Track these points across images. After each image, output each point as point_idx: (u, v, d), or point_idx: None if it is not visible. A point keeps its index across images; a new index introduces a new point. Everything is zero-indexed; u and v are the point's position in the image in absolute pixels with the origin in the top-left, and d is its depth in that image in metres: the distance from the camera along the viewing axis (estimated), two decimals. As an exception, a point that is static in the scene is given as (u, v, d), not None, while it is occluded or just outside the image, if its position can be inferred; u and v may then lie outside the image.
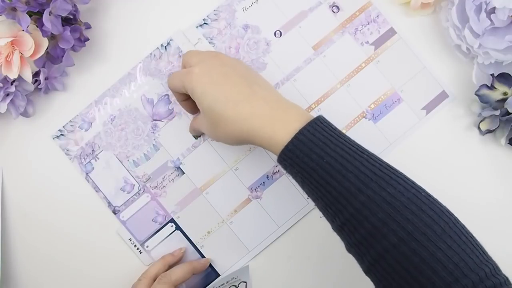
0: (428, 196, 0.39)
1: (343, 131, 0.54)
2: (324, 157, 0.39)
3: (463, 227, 0.39)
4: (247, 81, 0.44)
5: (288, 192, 0.54)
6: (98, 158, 0.55)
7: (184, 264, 0.53)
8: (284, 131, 0.40)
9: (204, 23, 0.55)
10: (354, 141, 0.41)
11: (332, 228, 0.42)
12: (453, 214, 0.40)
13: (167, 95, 0.55)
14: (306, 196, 0.54)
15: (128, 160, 0.55)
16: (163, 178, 0.55)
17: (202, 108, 0.44)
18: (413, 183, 0.40)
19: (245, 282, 0.52)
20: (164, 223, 0.55)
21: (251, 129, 0.42)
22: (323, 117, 0.42)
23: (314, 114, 0.55)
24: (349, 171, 0.38)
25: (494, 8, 0.48)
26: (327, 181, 0.39)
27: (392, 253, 0.37)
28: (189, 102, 0.50)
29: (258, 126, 0.41)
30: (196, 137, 0.54)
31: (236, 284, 0.52)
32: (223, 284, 0.52)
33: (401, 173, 0.40)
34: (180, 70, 0.48)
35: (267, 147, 0.42)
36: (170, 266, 0.53)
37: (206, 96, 0.43)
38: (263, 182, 0.55)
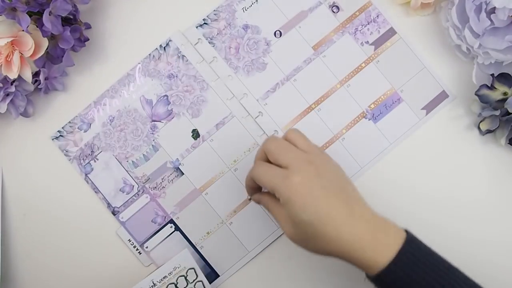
0: None
1: (343, 131, 0.55)
2: (426, 278, 0.39)
3: None
4: (344, 195, 0.42)
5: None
6: (97, 159, 0.55)
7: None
8: (385, 253, 0.40)
9: (204, 23, 0.55)
10: (442, 257, 0.42)
11: None
12: None
13: (166, 95, 0.55)
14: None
15: (127, 161, 0.55)
16: (162, 178, 0.55)
17: (298, 220, 0.41)
18: None
19: (193, 268, 0.50)
20: (164, 224, 0.55)
21: (349, 251, 0.41)
22: (413, 235, 0.42)
23: (314, 114, 0.55)
24: None
25: (494, 8, 0.48)
26: None
27: None
28: (255, 190, 0.48)
29: (357, 248, 0.40)
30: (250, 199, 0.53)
31: (184, 274, 0.50)
32: (166, 276, 0.51)
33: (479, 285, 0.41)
34: (271, 167, 0.43)
35: (361, 266, 0.41)
36: None
37: (307, 210, 0.41)
38: (263, 183, 0.54)
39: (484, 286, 0.40)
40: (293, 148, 0.44)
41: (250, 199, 0.51)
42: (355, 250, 0.40)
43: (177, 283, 0.50)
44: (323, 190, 0.41)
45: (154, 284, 0.51)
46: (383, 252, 0.40)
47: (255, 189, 0.47)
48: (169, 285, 0.50)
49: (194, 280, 0.51)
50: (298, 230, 0.42)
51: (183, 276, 0.50)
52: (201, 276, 0.51)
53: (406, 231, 0.42)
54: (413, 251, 0.40)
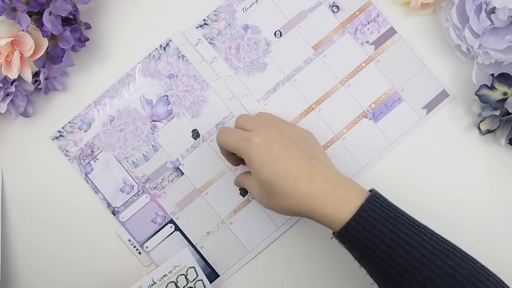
0: (483, 267, 0.41)
1: (344, 131, 0.55)
2: (387, 233, 0.40)
3: None
4: (307, 154, 0.44)
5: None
6: (97, 159, 0.55)
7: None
8: (345, 209, 0.41)
9: (204, 23, 0.55)
10: (408, 214, 0.43)
11: None
12: (504, 282, 0.41)
13: (166, 95, 0.55)
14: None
15: (127, 161, 0.55)
16: (162, 178, 0.55)
17: (259, 178, 0.44)
18: (467, 254, 0.41)
19: (193, 267, 0.50)
20: (164, 224, 0.55)
21: (310, 206, 0.42)
22: (378, 192, 0.43)
23: (314, 114, 0.55)
24: (411, 246, 0.40)
25: (494, 8, 0.48)
26: (390, 256, 0.40)
27: None
28: (234, 157, 0.50)
29: (318, 205, 0.42)
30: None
31: (184, 272, 0.50)
32: (166, 275, 0.51)
33: (455, 245, 0.42)
34: (234, 130, 0.47)
35: (325, 223, 0.42)
36: None
37: (265, 168, 0.43)
38: (263, 183, 0.54)
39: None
40: (259, 117, 0.48)
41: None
42: (316, 206, 0.42)
43: (177, 281, 0.50)
44: (283, 149, 0.43)
45: (154, 283, 0.51)
46: (344, 208, 0.41)
47: (230, 155, 0.49)
48: (169, 284, 0.50)
49: (194, 279, 0.51)
50: (261, 189, 0.44)
51: (183, 275, 0.50)
52: (201, 275, 0.51)
53: (371, 190, 0.43)
54: (375, 207, 0.41)
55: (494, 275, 0.41)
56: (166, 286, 0.50)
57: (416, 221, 0.42)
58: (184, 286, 0.50)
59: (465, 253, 0.41)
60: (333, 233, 0.43)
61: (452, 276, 0.39)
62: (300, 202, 0.42)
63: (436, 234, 0.42)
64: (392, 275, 0.41)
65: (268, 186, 0.43)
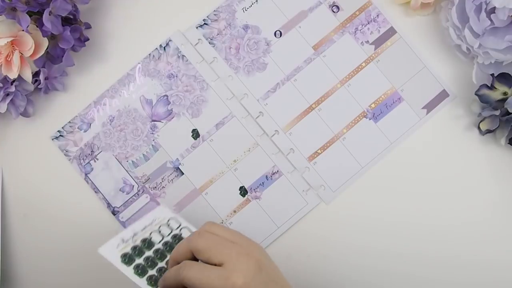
0: None
1: (344, 131, 0.55)
2: None
3: None
4: (280, 285, 0.39)
5: (288, 192, 0.54)
6: (97, 159, 0.55)
7: None
8: None
9: (204, 23, 0.55)
10: None
11: None
12: None
13: (166, 95, 0.55)
14: (305, 196, 0.54)
15: (127, 161, 0.55)
16: (162, 178, 0.55)
17: None
18: None
19: (173, 218, 0.47)
20: (164, 224, 0.55)
21: None
22: None
23: (314, 114, 0.55)
24: None
25: (494, 8, 0.48)
26: None
27: None
28: None
29: None
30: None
31: (165, 223, 0.47)
32: (146, 226, 0.47)
33: None
34: (205, 267, 0.38)
35: None
36: None
37: None
38: (262, 183, 0.54)
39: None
40: (225, 242, 0.39)
41: None
42: None
43: (160, 230, 0.48)
44: (265, 284, 0.38)
45: (135, 233, 0.46)
46: None
47: None
48: (153, 233, 0.48)
49: (178, 227, 0.48)
50: None
51: (165, 224, 0.48)
52: (185, 223, 0.47)
53: None
54: None
55: None
56: (150, 235, 0.48)
57: None
58: (169, 234, 0.48)
59: None
60: None
61: None
62: None
63: None
64: None
65: None
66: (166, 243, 0.46)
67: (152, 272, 0.46)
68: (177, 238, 0.47)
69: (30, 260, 0.55)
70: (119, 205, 0.55)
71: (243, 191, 0.55)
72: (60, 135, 0.55)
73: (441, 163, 0.54)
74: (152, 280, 0.45)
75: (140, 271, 0.45)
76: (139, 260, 0.46)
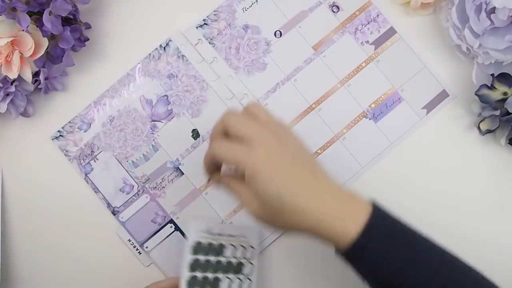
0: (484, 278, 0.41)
1: (344, 131, 0.55)
2: (394, 249, 0.39)
3: None
4: (310, 167, 0.41)
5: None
6: (97, 159, 0.55)
7: (173, 278, 0.52)
8: (352, 226, 0.39)
9: (204, 23, 0.55)
10: (410, 226, 0.42)
11: None
12: None
13: (166, 95, 0.55)
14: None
15: (127, 161, 0.55)
16: (162, 178, 0.55)
17: (265, 194, 0.39)
18: (470, 266, 0.41)
19: (254, 248, 0.49)
20: (164, 224, 0.55)
21: (319, 223, 0.39)
22: (380, 206, 0.41)
23: (314, 114, 0.55)
24: (417, 260, 0.39)
25: (494, 8, 0.48)
26: (401, 272, 0.39)
27: None
28: (215, 168, 0.45)
29: (327, 220, 0.39)
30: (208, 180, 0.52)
31: (245, 246, 0.49)
32: (233, 235, 0.49)
33: (459, 258, 0.41)
34: (230, 141, 0.41)
35: (331, 240, 0.40)
36: None
37: (274, 181, 0.39)
38: (263, 183, 0.54)
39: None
40: (253, 121, 0.41)
41: (208, 181, 0.47)
42: (323, 223, 0.39)
43: (236, 249, 0.49)
44: (289, 161, 0.40)
45: (221, 234, 0.49)
46: (351, 224, 0.39)
47: (214, 168, 0.45)
48: (230, 246, 0.48)
49: (248, 260, 0.49)
50: (265, 205, 0.40)
51: (244, 247, 0.48)
52: (255, 261, 0.49)
53: (373, 204, 0.41)
54: (382, 223, 0.40)
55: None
56: (227, 246, 0.49)
57: (422, 235, 0.42)
58: (237, 258, 0.49)
59: (469, 266, 0.41)
60: (337, 252, 0.41)
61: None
62: (308, 219, 0.39)
63: (444, 250, 0.41)
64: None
65: (274, 203, 0.39)
66: (228, 263, 0.48)
67: (199, 274, 0.47)
68: (239, 267, 0.49)
69: (30, 260, 0.55)
70: (119, 205, 0.55)
71: None
72: (60, 135, 0.55)
73: (441, 163, 0.54)
74: (193, 281, 0.47)
75: (194, 267, 0.47)
76: (202, 257, 0.47)
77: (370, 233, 0.39)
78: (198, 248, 0.48)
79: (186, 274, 0.47)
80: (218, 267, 0.48)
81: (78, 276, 0.55)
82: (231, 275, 0.48)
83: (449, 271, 0.39)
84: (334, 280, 0.54)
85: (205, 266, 0.48)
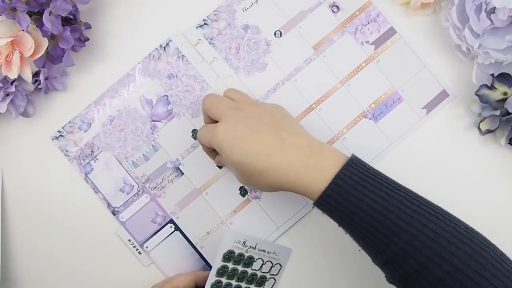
0: (467, 229, 0.41)
1: (344, 131, 0.55)
2: (363, 199, 0.40)
3: (503, 254, 0.41)
4: (274, 128, 0.44)
5: (288, 192, 0.54)
6: (97, 159, 0.55)
7: (188, 273, 0.53)
8: (320, 177, 0.41)
9: (204, 23, 0.55)
10: (389, 178, 0.42)
11: (373, 262, 0.43)
12: (492, 244, 0.41)
13: (166, 95, 0.55)
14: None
15: (127, 161, 0.55)
16: (162, 178, 0.55)
17: (231, 162, 0.44)
18: (450, 216, 0.41)
19: (281, 265, 0.51)
20: (164, 224, 0.55)
21: (285, 180, 0.42)
22: (356, 157, 0.42)
23: (315, 114, 0.55)
24: (389, 211, 0.39)
25: (494, 8, 0.48)
26: (368, 223, 0.40)
27: (438, 287, 0.39)
28: (214, 152, 0.50)
29: (293, 176, 0.41)
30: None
31: (273, 262, 0.51)
32: (265, 251, 0.51)
33: (438, 207, 0.41)
34: (207, 126, 0.47)
35: (304, 194, 0.42)
36: None
37: (234, 150, 0.43)
38: (263, 183, 0.54)
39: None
40: (224, 100, 0.47)
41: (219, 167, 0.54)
42: (289, 180, 0.41)
43: (265, 263, 0.50)
44: (249, 129, 0.43)
45: (254, 247, 0.50)
46: (319, 177, 0.41)
47: (212, 152, 0.50)
48: (259, 260, 0.51)
49: (273, 274, 0.51)
50: (238, 171, 0.44)
51: (271, 263, 0.50)
52: (279, 277, 0.51)
53: (350, 156, 0.42)
54: (351, 174, 0.40)
55: (479, 235, 0.41)
56: (256, 258, 0.51)
57: (397, 184, 0.42)
58: (264, 272, 0.51)
59: (448, 214, 0.41)
60: (313, 202, 0.43)
61: (433, 240, 0.39)
62: (275, 176, 0.42)
63: (417, 197, 0.41)
64: (372, 241, 0.40)
65: (241, 167, 0.43)
66: (253, 276, 0.50)
67: (224, 280, 0.50)
68: (262, 281, 0.51)
69: (30, 260, 0.55)
70: (119, 205, 0.55)
71: (243, 191, 0.55)
72: (60, 135, 0.55)
73: (441, 163, 0.54)
74: (216, 286, 0.50)
75: (221, 272, 0.50)
76: (230, 266, 0.50)
77: (337, 184, 0.40)
78: (229, 256, 0.50)
79: (213, 279, 0.50)
80: (243, 277, 0.51)
81: (78, 276, 0.55)
82: (252, 287, 0.51)
83: (422, 223, 0.39)
84: (334, 279, 0.54)
85: (231, 274, 0.50)
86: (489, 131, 0.52)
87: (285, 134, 0.43)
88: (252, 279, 0.50)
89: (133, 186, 0.55)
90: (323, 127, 0.55)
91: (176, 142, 0.55)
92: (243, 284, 0.50)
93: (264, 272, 0.51)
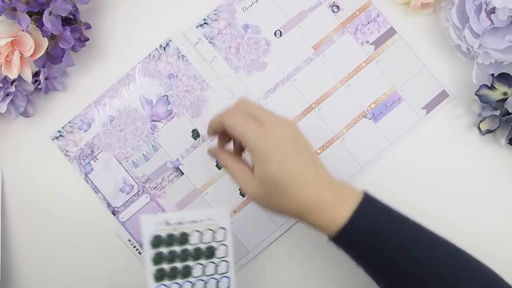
0: (476, 262, 0.42)
1: (344, 130, 0.55)
2: (381, 234, 0.40)
3: None
4: (312, 157, 0.42)
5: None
6: (97, 159, 0.55)
7: None
8: (341, 214, 0.41)
9: (204, 23, 0.55)
10: (399, 213, 0.43)
11: None
12: (504, 280, 0.42)
13: (166, 96, 0.55)
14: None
15: (127, 161, 0.55)
16: (162, 178, 0.55)
17: (270, 177, 0.40)
18: (461, 251, 0.43)
19: (224, 228, 0.47)
20: (164, 224, 0.55)
21: (310, 212, 0.41)
22: (369, 195, 0.42)
23: (314, 113, 0.55)
24: (405, 246, 0.40)
25: (494, 8, 0.48)
26: (385, 257, 0.40)
27: None
28: (224, 139, 0.47)
29: (321, 208, 0.41)
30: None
31: (213, 229, 0.47)
32: (196, 221, 0.47)
33: (448, 242, 0.42)
34: (244, 114, 0.42)
35: (322, 226, 0.42)
36: None
37: (282, 168, 0.40)
38: (263, 183, 0.54)
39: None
40: (246, 121, 0.42)
41: (211, 154, 0.48)
42: (317, 210, 0.41)
43: (203, 234, 0.48)
44: (298, 150, 0.41)
45: (181, 222, 0.47)
46: (342, 211, 0.41)
47: (217, 133, 0.46)
48: (194, 232, 0.47)
49: (219, 241, 0.48)
50: (265, 188, 0.41)
51: (212, 231, 0.47)
52: (229, 241, 0.47)
53: (365, 192, 0.42)
54: (370, 208, 0.41)
55: (493, 274, 0.42)
56: (191, 232, 0.47)
57: (410, 220, 0.42)
58: (207, 243, 0.48)
59: (454, 246, 0.42)
60: (329, 237, 0.42)
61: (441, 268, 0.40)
62: (303, 206, 0.41)
63: (432, 233, 0.42)
64: (388, 275, 0.41)
65: (276, 187, 0.40)
66: (197, 250, 0.46)
67: (166, 266, 0.46)
68: (210, 252, 0.47)
69: (30, 260, 0.55)
70: (119, 205, 0.55)
71: None
72: (60, 135, 0.55)
73: (441, 163, 0.54)
74: (160, 274, 0.46)
75: (157, 260, 0.46)
76: (164, 249, 0.46)
77: (356, 221, 0.40)
78: (158, 241, 0.46)
79: (150, 268, 0.46)
80: (185, 255, 0.47)
81: (78, 276, 0.55)
82: (203, 261, 0.47)
83: (438, 256, 0.40)
84: (334, 280, 0.54)
85: (171, 257, 0.47)
86: (489, 131, 0.52)
87: (318, 166, 0.42)
88: (197, 254, 0.47)
89: (133, 186, 0.55)
90: (323, 127, 0.55)
91: (176, 142, 0.55)
92: (191, 263, 0.47)
93: (207, 243, 0.47)
